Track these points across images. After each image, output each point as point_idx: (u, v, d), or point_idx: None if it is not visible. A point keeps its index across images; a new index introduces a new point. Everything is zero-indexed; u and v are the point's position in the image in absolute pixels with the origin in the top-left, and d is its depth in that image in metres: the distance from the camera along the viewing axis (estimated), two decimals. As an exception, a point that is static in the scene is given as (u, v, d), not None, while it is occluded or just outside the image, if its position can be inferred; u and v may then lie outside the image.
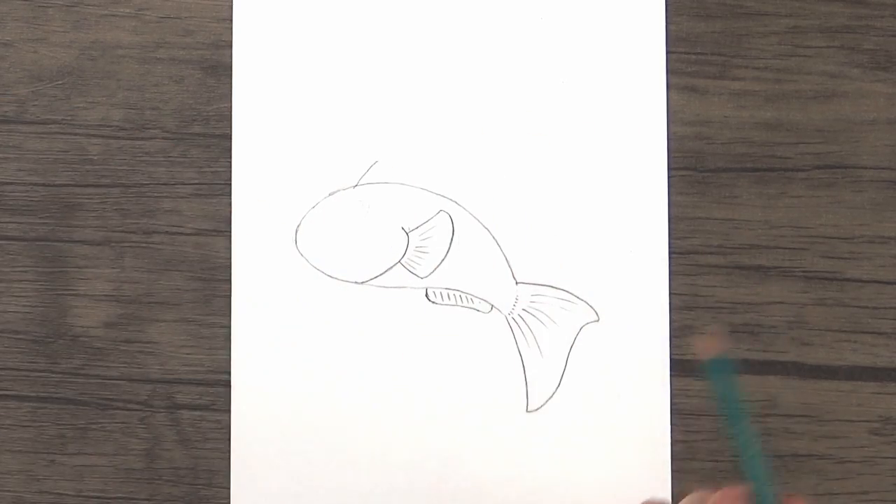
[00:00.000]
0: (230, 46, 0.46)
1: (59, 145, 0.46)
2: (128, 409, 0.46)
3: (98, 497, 0.45)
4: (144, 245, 0.46)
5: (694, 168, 0.46)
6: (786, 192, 0.45)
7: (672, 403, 0.45)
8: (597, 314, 0.45)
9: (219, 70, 0.46)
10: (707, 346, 0.34)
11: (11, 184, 0.46)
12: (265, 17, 0.46)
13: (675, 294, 0.45)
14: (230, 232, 0.45)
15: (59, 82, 0.46)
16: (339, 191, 0.46)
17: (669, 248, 0.45)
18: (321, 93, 0.46)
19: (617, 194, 0.45)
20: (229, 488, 0.45)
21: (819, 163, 0.46)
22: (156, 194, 0.46)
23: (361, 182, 0.45)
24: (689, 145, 0.46)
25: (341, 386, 0.45)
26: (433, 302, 0.45)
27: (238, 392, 0.45)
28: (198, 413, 0.45)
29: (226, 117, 0.46)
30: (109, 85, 0.46)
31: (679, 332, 0.45)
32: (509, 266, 0.45)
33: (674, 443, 0.45)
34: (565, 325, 0.45)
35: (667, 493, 0.44)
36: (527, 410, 0.45)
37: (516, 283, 0.45)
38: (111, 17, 0.46)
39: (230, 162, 0.46)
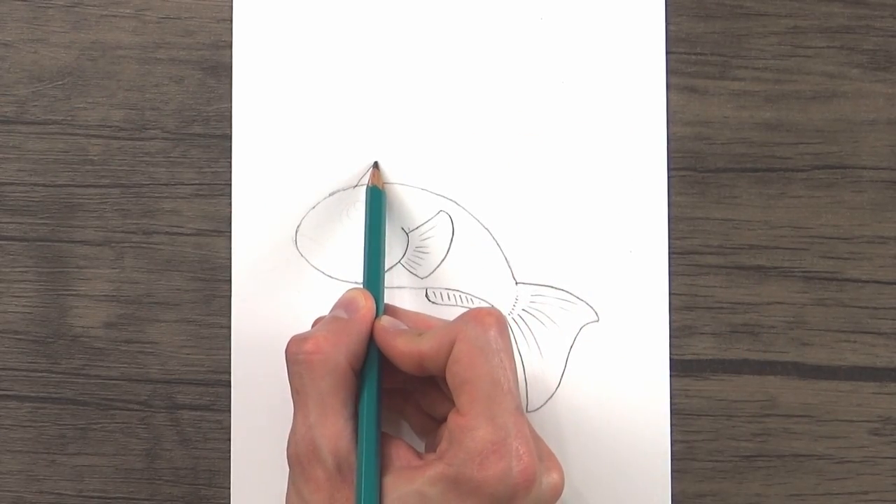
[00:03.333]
0: (230, 46, 0.46)
1: (59, 145, 0.46)
2: (128, 410, 0.46)
3: (98, 497, 0.45)
4: (144, 245, 0.46)
5: (694, 168, 0.46)
6: (786, 192, 0.46)
7: (672, 403, 0.45)
8: (597, 314, 0.45)
9: (219, 70, 0.46)
10: (373, 177, 0.44)
11: (11, 184, 0.46)
12: (265, 17, 0.46)
13: (674, 294, 0.45)
14: (230, 232, 0.45)
15: (59, 82, 0.46)
16: (339, 191, 0.46)
17: (669, 248, 0.45)
18: (321, 93, 0.46)
19: (617, 194, 0.45)
20: (229, 488, 0.45)
21: (819, 163, 0.46)
22: (156, 194, 0.46)
23: (361, 182, 0.45)
24: (689, 145, 0.46)
25: (341, 386, 0.45)
26: (433, 302, 0.45)
27: (238, 392, 0.45)
28: (198, 413, 0.45)
29: (226, 117, 0.46)
30: (109, 85, 0.46)
31: (679, 332, 0.45)
32: (509, 266, 0.45)
33: (674, 443, 0.45)
34: (565, 325, 0.45)
35: (667, 493, 0.44)
36: (527, 410, 0.45)
37: (516, 283, 0.45)
38: (111, 17, 0.46)
39: (230, 162, 0.46)
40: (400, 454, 0.38)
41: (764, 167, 0.45)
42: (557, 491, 0.38)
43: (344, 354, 0.39)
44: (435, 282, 0.45)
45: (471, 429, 0.36)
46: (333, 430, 0.38)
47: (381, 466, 0.38)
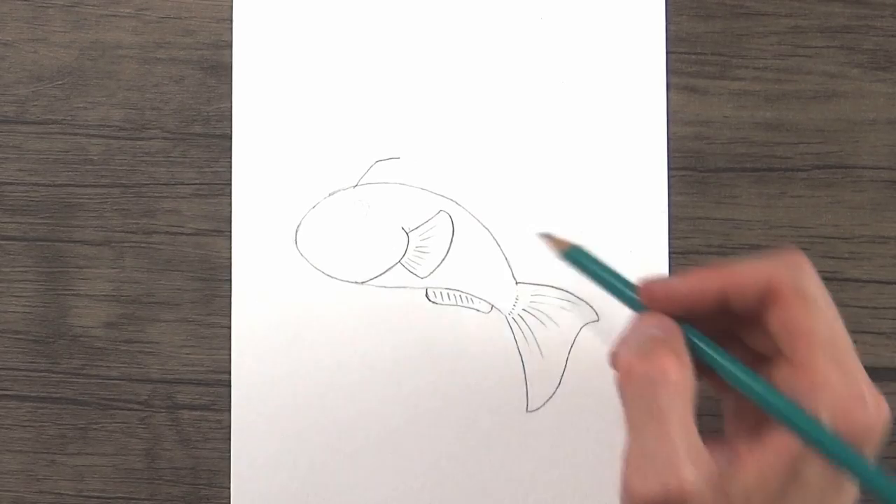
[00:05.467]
0: (230, 46, 0.46)
1: (59, 145, 0.46)
2: (128, 409, 0.46)
3: (98, 497, 0.45)
4: (144, 245, 0.46)
5: (694, 168, 0.46)
6: (786, 192, 0.46)
7: (672, 403, 0.45)
8: (597, 314, 0.45)
9: (219, 70, 0.46)
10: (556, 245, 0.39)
11: (11, 184, 0.46)
12: (265, 17, 0.46)
13: (675, 294, 0.45)
14: (230, 232, 0.45)
15: (59, 82, 0.46)
16: (339, 191, 0.46)
17: (669, 248, 0.45)
18: (321, 93, 0.46)
19: (617, 194, 0.45)
20: (229, 488, 0.45)
21: (819, 163, 0.46)
22: (156, 194, 0.46)
23: (361, 182, 0.45)
24: (689, 145, 0.46)
25: (341, 386, 0.45)
26: (433, 302, 0.45)
27: (238, 392, 0.45)
28: (198, 413, 0.45)
29: (226, 117, 0.46)
30: (109, 85, 0.46)
31: (679, 332, 0.45)
32: (509, 266, 0.45)
33: (674, 443, 0.45)
34: (565, 325, 0.45)
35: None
36: (527, 410, 0.45)
37: (516, 283, 0.45)
38: (111, 17, 0.46)
39: (230, 162, 0.46)
40: None
41: (764, 167, 0.46)
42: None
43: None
44: (435, 281, 0.45)
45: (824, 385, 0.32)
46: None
47: None
